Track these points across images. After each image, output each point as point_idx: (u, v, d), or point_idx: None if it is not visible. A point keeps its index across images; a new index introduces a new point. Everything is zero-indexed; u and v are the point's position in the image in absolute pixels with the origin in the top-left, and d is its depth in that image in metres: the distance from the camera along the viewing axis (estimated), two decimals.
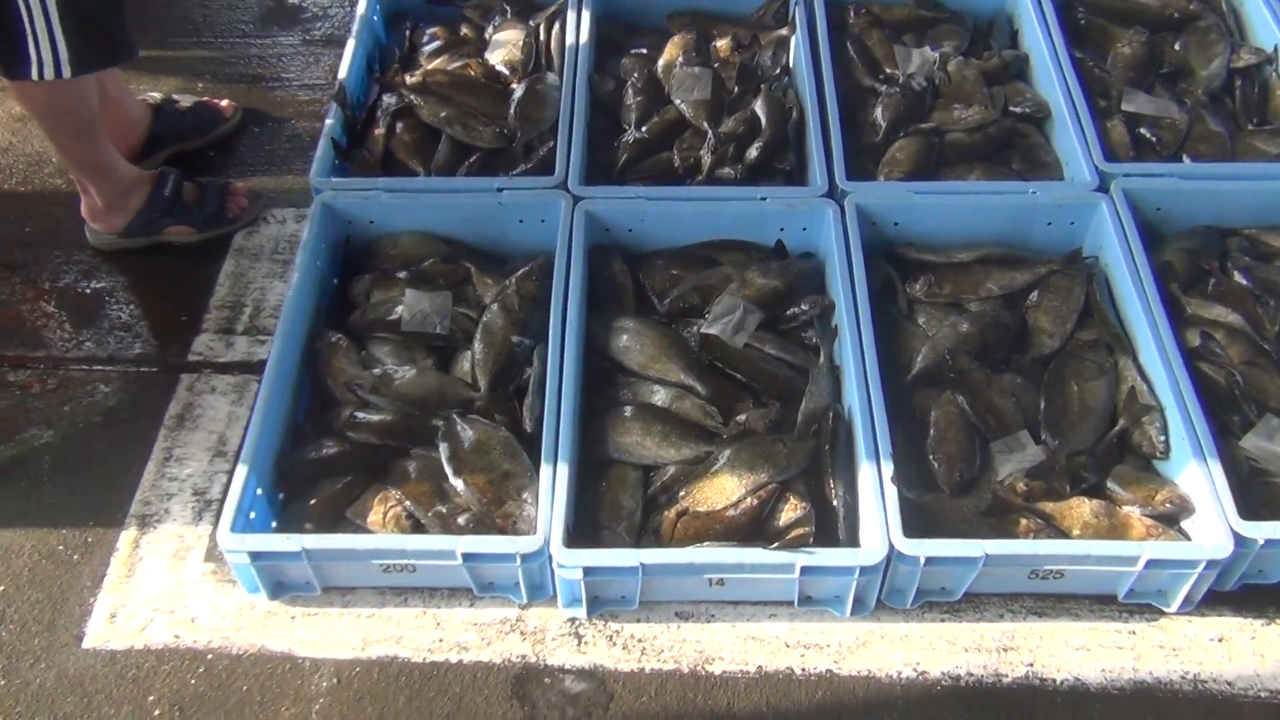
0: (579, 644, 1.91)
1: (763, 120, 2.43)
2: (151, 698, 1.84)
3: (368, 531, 1.95)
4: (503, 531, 1.89)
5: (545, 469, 1.86)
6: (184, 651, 1.90)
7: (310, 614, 1.98)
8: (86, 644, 1.91)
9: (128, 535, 2.07)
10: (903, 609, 1.96)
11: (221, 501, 1.97)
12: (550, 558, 1.81)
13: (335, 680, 1.87)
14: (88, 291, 2.44)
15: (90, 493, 2.12)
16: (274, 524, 1.98)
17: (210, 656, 1.90)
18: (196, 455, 2.20)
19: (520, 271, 2.24)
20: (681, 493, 1.97)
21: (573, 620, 1.96)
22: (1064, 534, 1.88)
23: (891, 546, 1.80)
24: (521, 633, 1.93)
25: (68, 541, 2.05)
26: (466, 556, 1.82)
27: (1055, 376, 2.10)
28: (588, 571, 1.82)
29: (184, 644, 1.91)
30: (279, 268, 2.56)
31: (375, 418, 2.07)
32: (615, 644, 1.91)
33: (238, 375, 2.38)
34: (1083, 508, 1.92)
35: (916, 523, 1.84)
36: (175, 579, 2.01)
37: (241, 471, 1.89)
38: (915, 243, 2.33)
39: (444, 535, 1.90)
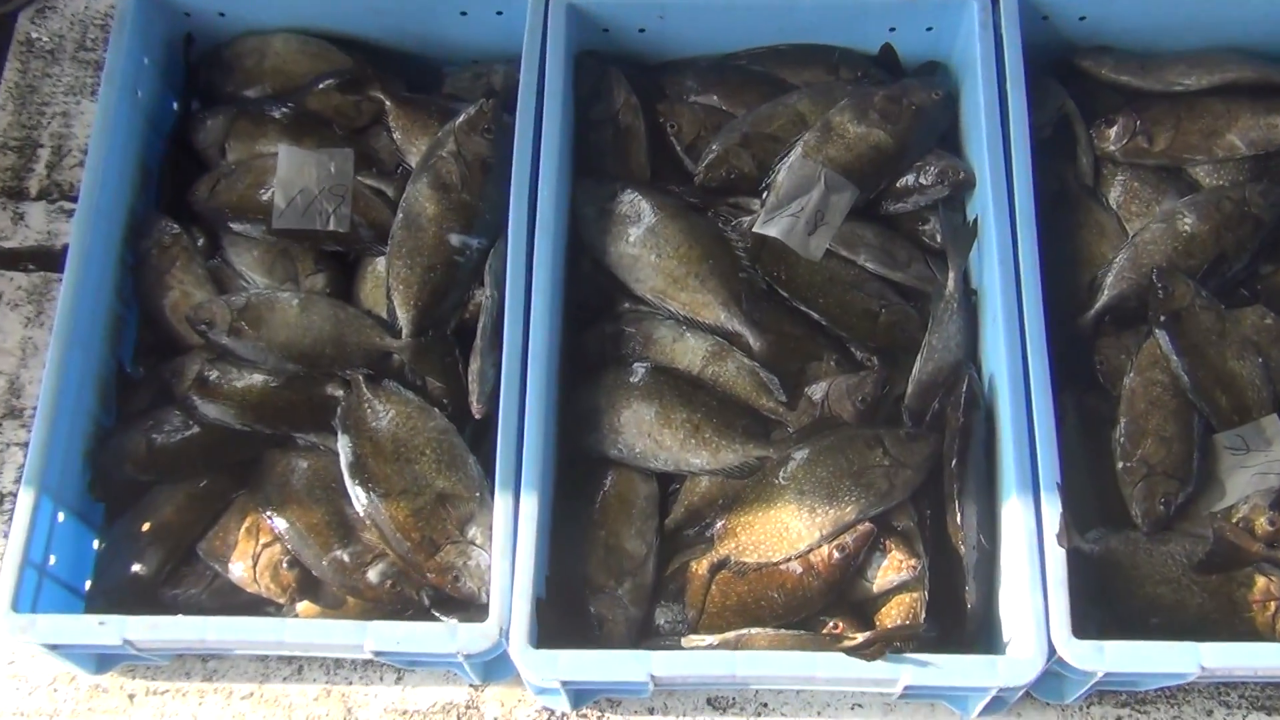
0: None
1: None
2: None
3: (229, 578, 1.67)
4: (436, 593, 1.60)
5: (502, 500, 1.54)
6: None
7: (158, 691, 1.69)
8: None
9: None
10: (1059, 703, 1.65)
11: (14, 498, 1.68)
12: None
13: None
14: None
15: None
16: (96, 544, 1.71)
17: None
18: None
19: (463, 118, 1.78)
20: (720, 526, 1.63)
21: (550, 713, 1.68)
22: None
23: (1052, 649, 1.45)
24: None
25: None
26: (381, 653, 1.52)
27: None
28: (569, 684, 1.52)
29: None
30: (90, 76, 2.08)
31: (237, 382, 1.71)
32: None
33: (35, 273, 1.95)
34: None
35: (1090, 588, 1.52)
36: None
37: (26, 499, 1.56)
38: (1113, 51, 1.89)
39: (341, 616, 1.64)
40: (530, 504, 1.52)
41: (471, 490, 1.60)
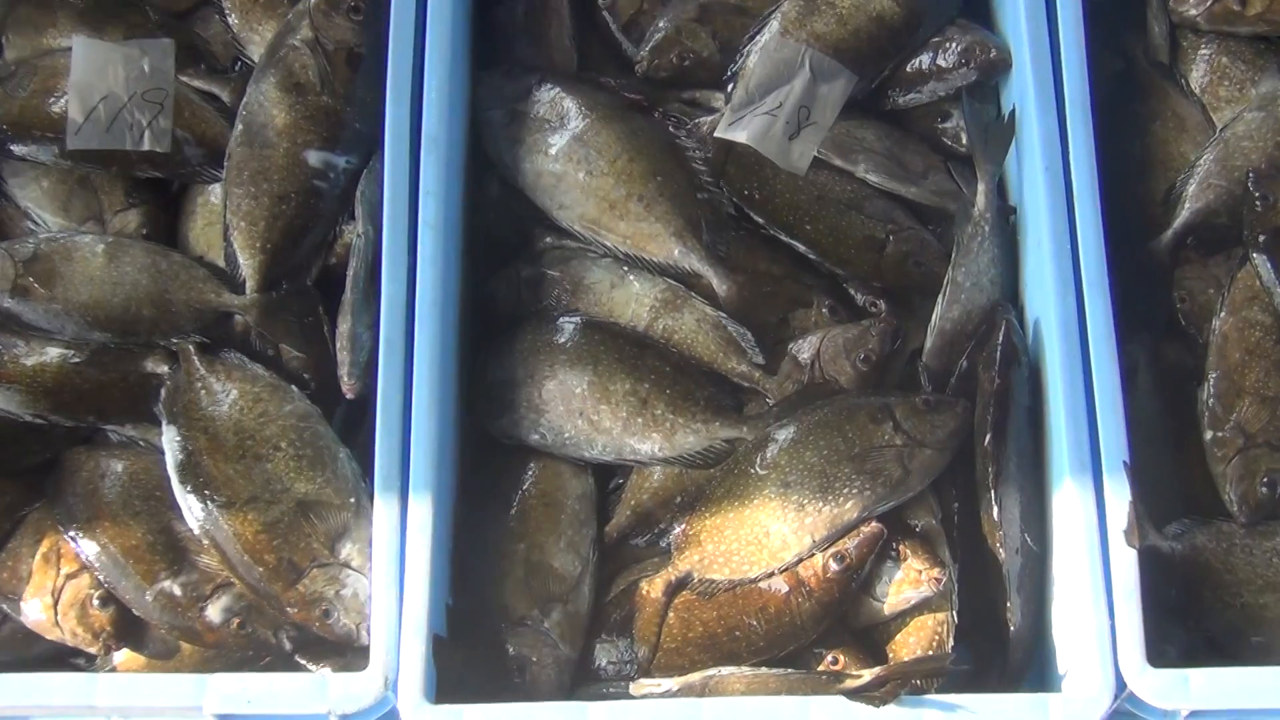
0: None
1: None
2: None
3: (21, 621, 1.65)
4: (300, 633, 1.59)
5: (385, 507, 1.53)
6: None
7: None
8: None
9: None
10: None
11: None
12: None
13: None
14: None
15: None
16: None
17: None
18: None
19: None
20: (680, 533, 1.63)
21: None
22: None
23: (1122, 682, 1.44)
24: None
25: None
26: (226, 716, 1.50)
27: None
28: None
29: None
30: None
31: (25, 359, 1.69)
32: None
33: None
34: None
35: (1170, 601, 1.54)
36: None
37: None
38: None
39: (174, 668, 1.64)
40: (423, 511, 1.50)
41: (343, 495, 1.59)
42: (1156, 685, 1.41)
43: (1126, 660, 1.42)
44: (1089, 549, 1.47)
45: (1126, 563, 1.45)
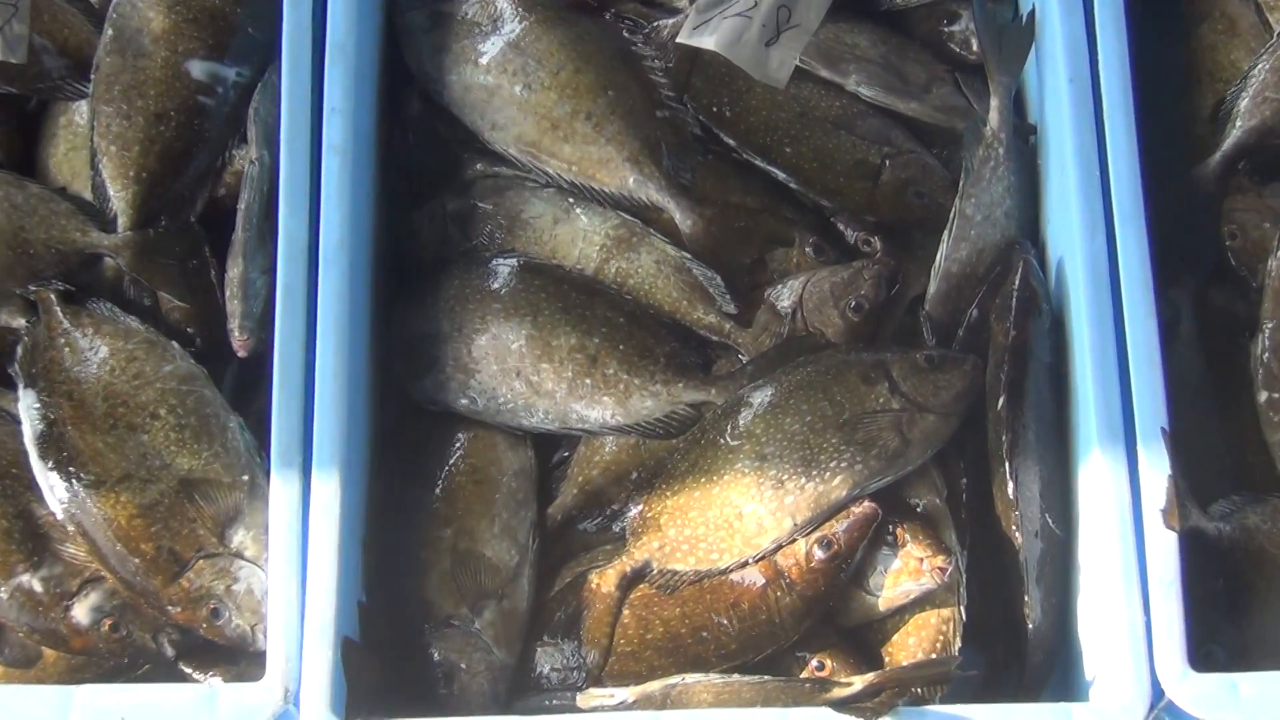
0: None
1: None
2: None
3: None
4: (184, 636, 1.57)
5: (284, 486, 1.50)
6: None
7: None
8: None
9: None
10: None
11: None
12: None
13: None
14: None
15: None
16: None
17: None
18: None
19: None
20: (636, 516, 1.61)
21: None
22: None
23: (1159, 689, 1.43)
24: None
25: None
26: None
27: None
28: None
29: None
30: None
31: None
32: None
33: None
34: None
35: (1216, 593, 1.53)
36: None
37: None
38: None
39: (35, 679, 1.62)
40: (329, 491, 1.48)
41: (235, 472, 1.57)
42: (1200, 692, 1.40)
43: (1165, 663, 1.40)
44: (1121, 532, 1.45)
45: (1165, 548, 1.44)
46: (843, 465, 1.53)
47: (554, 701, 1.52)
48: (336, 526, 1.46)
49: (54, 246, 1.64)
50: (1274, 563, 1.55)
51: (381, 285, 1.68)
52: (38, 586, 1.55)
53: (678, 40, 1.71)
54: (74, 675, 1.54)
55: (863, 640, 1.57)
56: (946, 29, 1.77)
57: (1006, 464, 1.53)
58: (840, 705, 1.40)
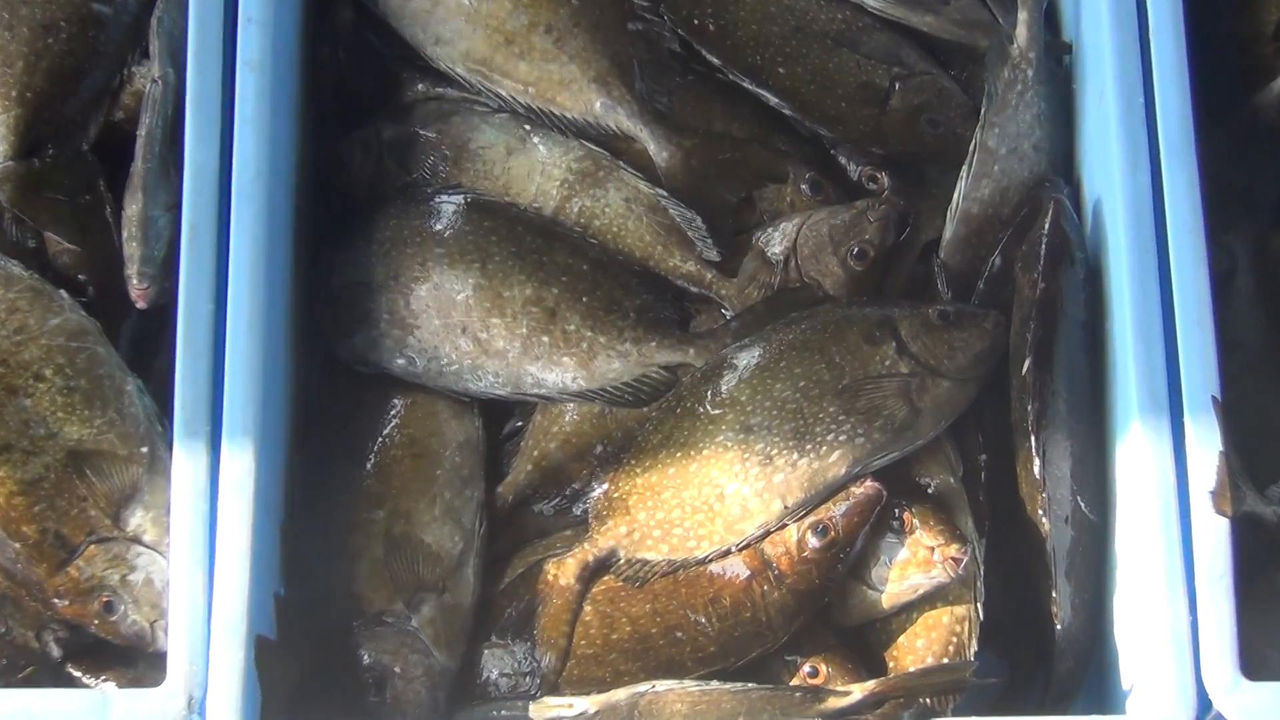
0: None
1: None
2: None
3: None
4: (72, 633, 1.54)
5: (188, 459, 1.46)
6: None
7: None
8: None
9: None
10: None
11: None
12: None
13: None
14: None
15: None
16: None
17: None
18: None
19: None
20: (600, 497, 1.59)
21: None
22: None
23: (1206, 700, 1.41)
24: None
25: None
26: None
27: None
28: None
29: None
30: None
31: None
32: None
33: None
34: None
35: (1273, 577, 1.53)
36: None
37: None
38: None
39: None
40: (241, 466, 1.44)
41: (132, 443, 1.52)
42: (1253, 704, 1.37)
43: (1213, 671, 1.37)
44: (1164, 518, 1.41)
45: (1215, 537, 1.40)
46: (841, 438, 1.49)
47: (503, 712, 1.49)
48: (250, 507, 1.43)
49: None
50: None
51: (306, 226, 1.65)
52: None
53: None
54: None
55: (863, 643, 1.55)
56: None
57: (1032, 438, 1.51)
58: (837, 717, 1.38)
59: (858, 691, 1.40)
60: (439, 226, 1.63)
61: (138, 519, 1.50)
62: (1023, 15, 1.64)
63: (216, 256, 1.49)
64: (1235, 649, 1.39)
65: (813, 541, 1.48)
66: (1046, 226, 1.56)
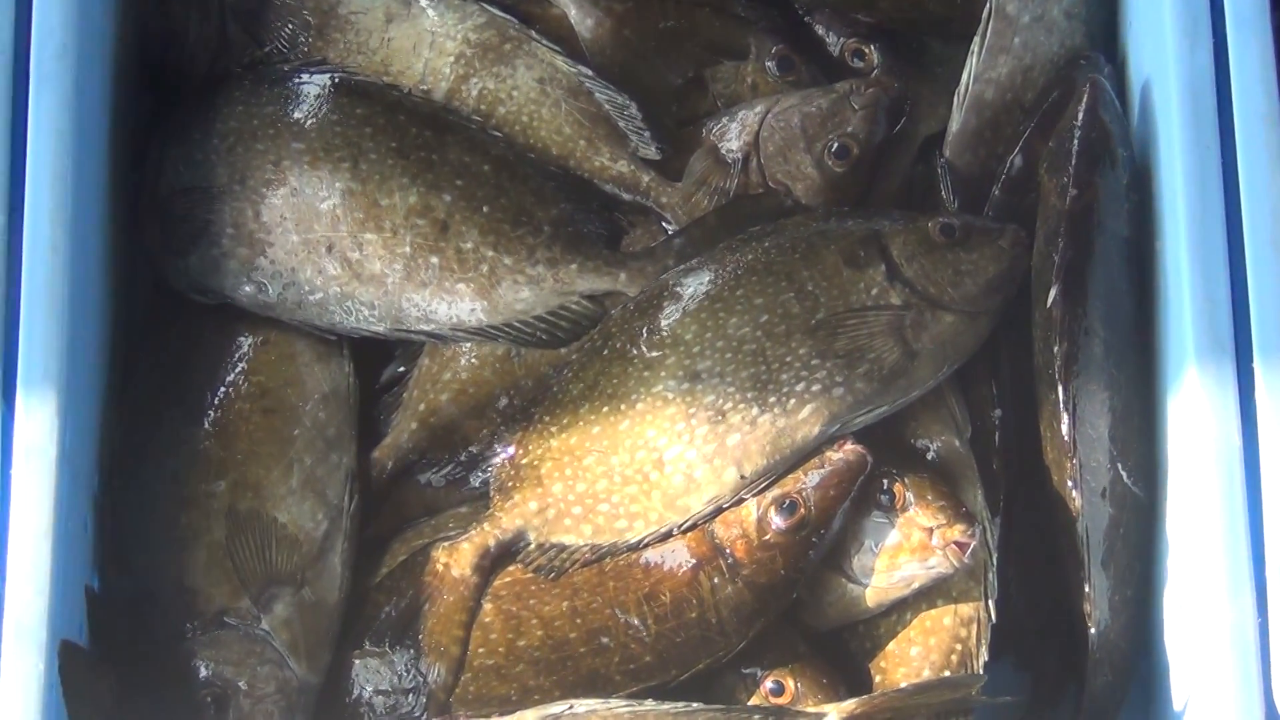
0: None
1: None
2: None
3: None
4: None
5: None
6: None
7: None
8: None
9: None
10: None
11: None
12: None
13: None
14: None
15: None
16: None
17: None
18: None
19: None
20: (505, 462, 1.53)
21: None
22: None
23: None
24: None
25: None
26: None
27: None
28: None
29: None
30: None
31: None
32: None
33: None
34: None
35: None
36: None
37: None
38: None
39: None
40: (40, 424, 1.37)
41: None
42: None
43: None
44: (1226, 493, 1.35)
45: None
46: (814, 389, 1.43)
47: None
48: (52, 477, 1.35)
49: None
50: None
51: (125, 112, 1.60)
52: None
53: None
54: None
55: (842, 651, 1.51)
56: None
57: (1060, 389, 1.46)
58: None
59: (833, 713, 1.35)
60: (298, 115, 1.56)
61: None
62: None
63: (11, 155, 1.42)
64: None
65: (777, 521, 1.42)
66: (1080, 116, 1.51)
